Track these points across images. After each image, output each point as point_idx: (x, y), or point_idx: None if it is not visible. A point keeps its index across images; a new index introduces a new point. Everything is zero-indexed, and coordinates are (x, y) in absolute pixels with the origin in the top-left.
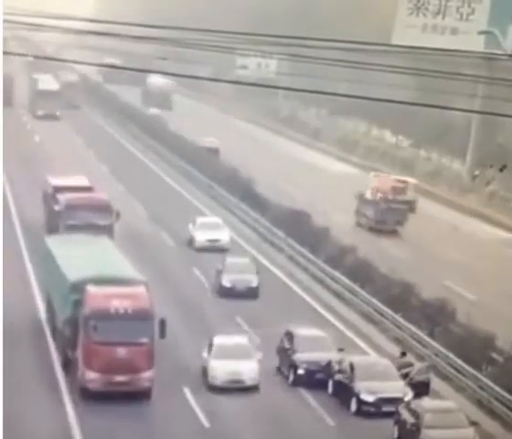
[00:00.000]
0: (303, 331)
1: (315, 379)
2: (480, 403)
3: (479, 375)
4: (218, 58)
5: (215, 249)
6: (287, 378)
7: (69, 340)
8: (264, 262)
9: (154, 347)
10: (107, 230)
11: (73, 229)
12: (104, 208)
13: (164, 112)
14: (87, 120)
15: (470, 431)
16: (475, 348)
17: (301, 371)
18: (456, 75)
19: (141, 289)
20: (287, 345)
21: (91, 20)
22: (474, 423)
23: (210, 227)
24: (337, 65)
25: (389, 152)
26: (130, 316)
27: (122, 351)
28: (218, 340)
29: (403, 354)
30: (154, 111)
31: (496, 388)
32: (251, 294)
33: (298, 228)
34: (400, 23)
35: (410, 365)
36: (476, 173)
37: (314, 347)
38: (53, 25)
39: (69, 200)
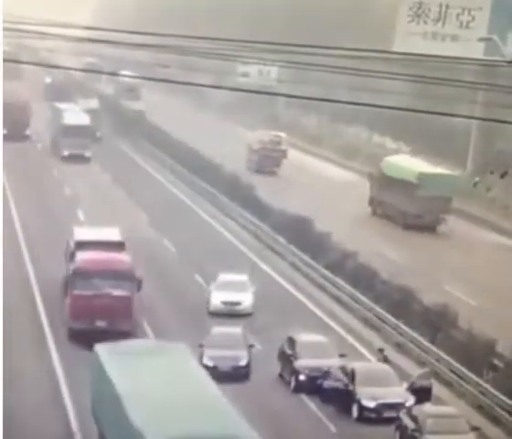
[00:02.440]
0: (304, 337)
1: (317, 385)
2: (481, 409)
3: (480, 381)
4: (219, 65)
5: (232, 314)
6: (289, 384)
7: None
8: (265, 267)
9: None
10: (124, 303)
11: (84, 299)
12: (123, 275)
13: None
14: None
15: (471, 436)
16: (477, 354)
17: (302, 377)
18: (456, 82)
19: None
20: (289, 351)
21: (96, 28)
22: (475, 429)
23: (231, 286)
24: (339, 72)
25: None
26: None
27: None
28: None
29: (380, 350)
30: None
31: (497, 393)
32: (239, 375)
33: (300, 234)
34: (400, 30)
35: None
36: (477, 179)
37: (315, 354)
38: (53, 33)
39: (80, 263)
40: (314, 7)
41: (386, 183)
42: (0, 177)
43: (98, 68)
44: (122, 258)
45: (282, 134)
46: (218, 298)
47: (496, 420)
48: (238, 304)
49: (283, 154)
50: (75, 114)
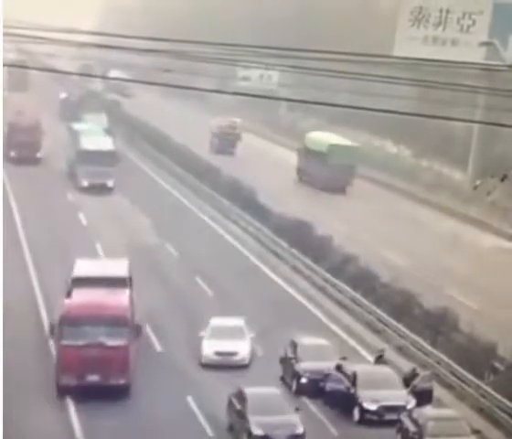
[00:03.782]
0: (306, 340)
1: (318, 388)
2: (482, 412)
3: (481, 383)
4: (220, 70)
5: (228, 366)
6: (290, 387)
7: None
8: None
9: None
10: (120, 354)
11: (73, 351)
12: (118, 322)
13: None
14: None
15: None
16: (478, 357)
17: (304, 380)
18: (457, 86)
19: None
20: (290, 354)
21: (96, 33)
22: (476, 432)
23: (226, 333)
24: (339, 76)
25: (390, 162)
26: None
27: None
28: None
29: (381, 350)
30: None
31: (498, 396)
32: None
33: (301, 237)
34: (401, 35)
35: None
36: (478, 183)
37: (317, 357)
38: (57, 38)
39: (68, 309)
40: (315, 12)
41: (307, 155)
42: (0, 177)
43: (92, 68)
44: (119, 300)
45: (238, 120)
46: (210, 348)
47: (496, 422)
48: (234, 354)
49: (238, 136)
50: (95, 137)
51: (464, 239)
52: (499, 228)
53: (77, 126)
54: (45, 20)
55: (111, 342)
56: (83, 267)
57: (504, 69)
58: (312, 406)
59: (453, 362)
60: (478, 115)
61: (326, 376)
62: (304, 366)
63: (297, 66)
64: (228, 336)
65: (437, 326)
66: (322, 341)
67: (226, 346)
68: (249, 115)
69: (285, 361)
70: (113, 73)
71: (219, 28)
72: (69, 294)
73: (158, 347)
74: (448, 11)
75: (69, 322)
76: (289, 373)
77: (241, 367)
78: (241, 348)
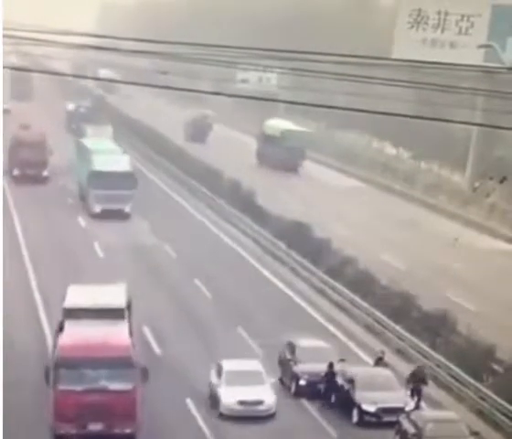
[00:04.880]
0: (304, 342)
1: (317, 389)
2: (481, 414)
3: (480, 386)
4: (218, 72)
5: (253, 416)
6: (289, 389)
7: None
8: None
9: None
10: (125, 399)
11: (71, 397)
12: (122, 363)
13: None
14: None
15: None
16: (476, 359)
17: (302, 382)
18: (456, 88)
19: None
20: (289, 356)
21: (94, 35)
22: (475, 434)
23: (245, 379)
24: (338, 78)
25: (389, 164)
26: None
27: None
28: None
29: (380, 352)
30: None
31: (497, 398)
32: None
33: (299, 239)
34: (399, 37)
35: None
36: (476, 185)
37: (315, 358)
38: (54, 40)
39: (64, 350)
40: (314, 14)
41: (265, 140)
42: (0, 181)
43: (86, 68)
44: (121, 337)
45: (209, 112)
46: (232, 396)
47: (495, 425)
48: (259, 403)
49: (210, 126)
50: (110, 157)
51: (462, 241)
52: (498, 230)
53: (88, 143)
54: (43, 21)
55: (114, 386)
56: (76, 296)
57: (502, 72)
58: (310, 408)
59: (451, 364)
60: (477, 117)
61: (325, 377)
62: (303, 368)
63: (296, 68)
64: (248, 381)
65: (436, 328)
66: (320, 343)
67: (249, 394)
68: (246, 117)
69: (284, 363)
70: (108, 72)
71: (218, 28)
72: (61, 329)
73: (157, 350)
74: (447, 13)
75: (66, 364)
76: (287, 375)
77: (267, 417)
78: (266, 396)
